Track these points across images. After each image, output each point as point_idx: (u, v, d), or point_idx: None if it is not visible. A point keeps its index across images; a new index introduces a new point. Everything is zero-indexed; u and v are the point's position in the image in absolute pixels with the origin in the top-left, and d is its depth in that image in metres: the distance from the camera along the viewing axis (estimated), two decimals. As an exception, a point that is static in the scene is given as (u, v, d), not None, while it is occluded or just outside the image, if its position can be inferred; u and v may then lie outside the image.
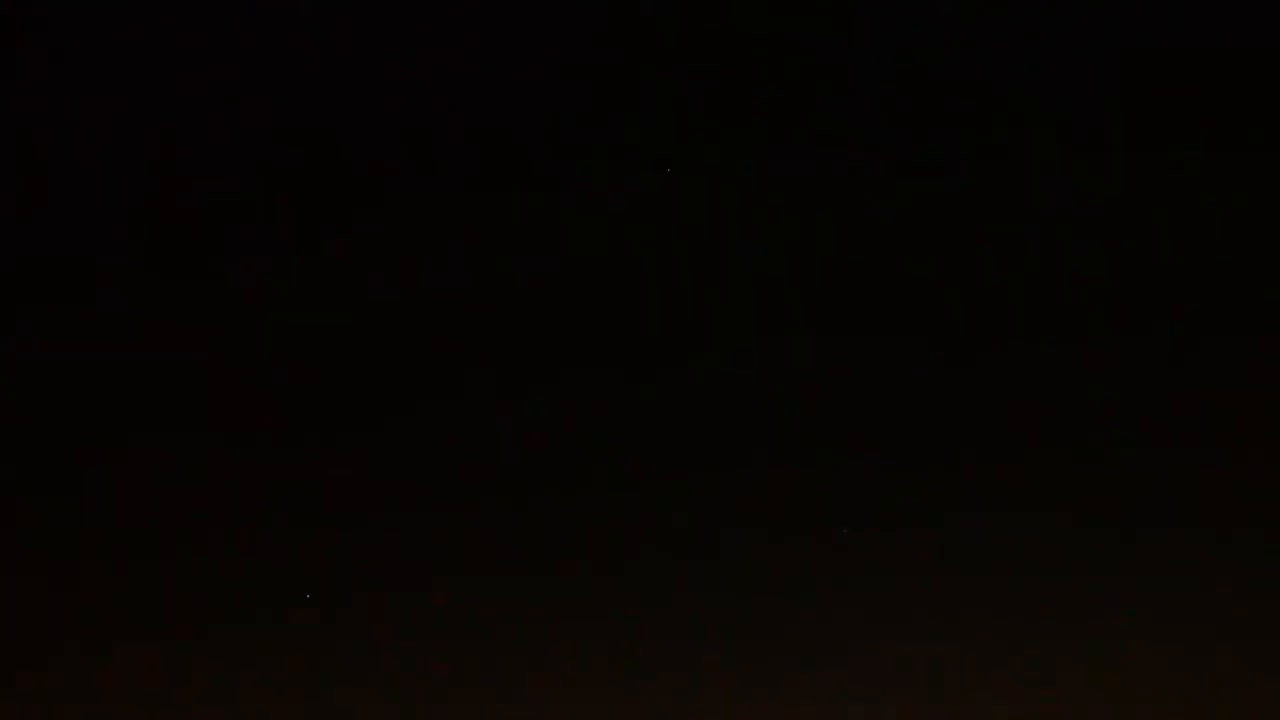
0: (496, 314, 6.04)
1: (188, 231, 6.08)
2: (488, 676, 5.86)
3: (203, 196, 6.10)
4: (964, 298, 5.97)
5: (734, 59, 6.10)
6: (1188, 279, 5.92)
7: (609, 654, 5.85)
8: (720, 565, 5.89)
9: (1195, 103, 5.98)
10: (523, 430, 5.97)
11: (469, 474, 5.96)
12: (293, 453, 5.96)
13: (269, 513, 5.92)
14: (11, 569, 5.89)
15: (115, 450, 5.94)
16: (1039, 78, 6.03)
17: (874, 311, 5.98)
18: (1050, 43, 6.04)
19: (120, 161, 6.12)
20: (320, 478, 5.95)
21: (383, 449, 5.97)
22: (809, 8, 6.10)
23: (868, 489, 5.89)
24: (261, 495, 5.93)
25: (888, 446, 5.92)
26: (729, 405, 5.96)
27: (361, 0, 6.14)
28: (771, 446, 5.93)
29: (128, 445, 5.95)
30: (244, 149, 6.11)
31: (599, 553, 5.90)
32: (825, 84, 6.07)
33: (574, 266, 6.05)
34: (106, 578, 5.90)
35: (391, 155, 6.11)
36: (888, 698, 5.78)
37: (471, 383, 6.01)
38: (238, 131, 6.12)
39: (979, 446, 5.88)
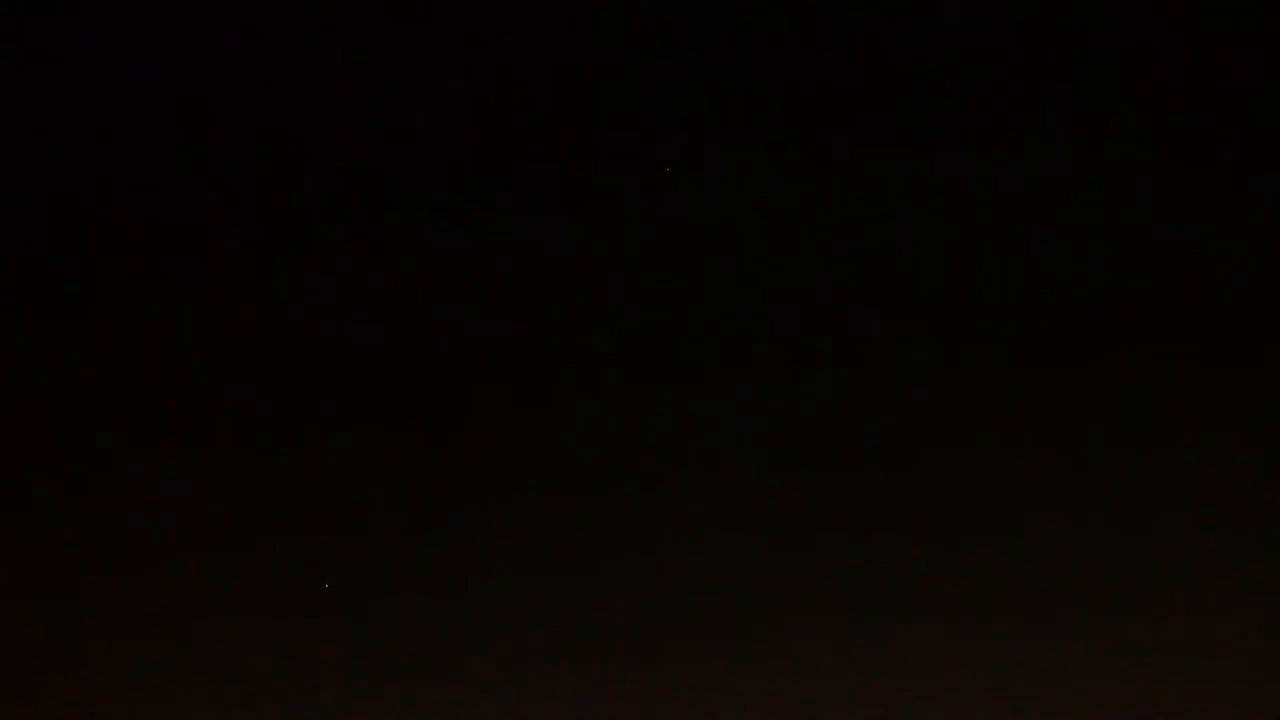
0: (496, 313, 6.05)
1: (186, 232, 6.10)
2: (484, 676, 5.88)
3: (198, 197, 6.12)
4: (964, 298, 5.97)
5: (734, 58, 6.10)
6: (1188, 279, 5.93)
7: (608, 654, 5.86)
8: (719, 566, 5.90)
9: (1195, 102, 5.98)
10: (523, 430, 5.98)
11: (468, 474, 5.97)
12: (301, 452, 5.98)
13: (277, 512, 5.96)
14: (30, 567, 5.92)
15: (126, 450, 5.97)
16: (1039, 77, 6.03)
17: (874, 311, 5.99)
18: (1050, 42, 6.05)
19: (115, 161, 6.14)
20: (323, 477, 5.98)
21: (387, 448, 5.99)
22: (810, 7, 6.11)
23: (867, 490, 5.90)
24: (275, 494, 5.97)
25: (888, 447, 5.93)
26: (729, 405, 5.97)
27: (361, 1, 6.15)
28: (773, 446, 5.94)
29: (141, 445, 5.98)
30: (242, 149, 6.12)
31: (597, 553, 5.92)
32: (825, 83, 6.08)
33: (574, 267, 6.05)
34: (117, 576, 5.92)
35: (391, 155, 6.12)
36: (887, 698, 5.79)
37: (470, 383, 6.01)
38: (236, 132, 6.13)
39: (981, 447, 5.89)
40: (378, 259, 6.06)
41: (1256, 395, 5.83)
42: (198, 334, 6.04)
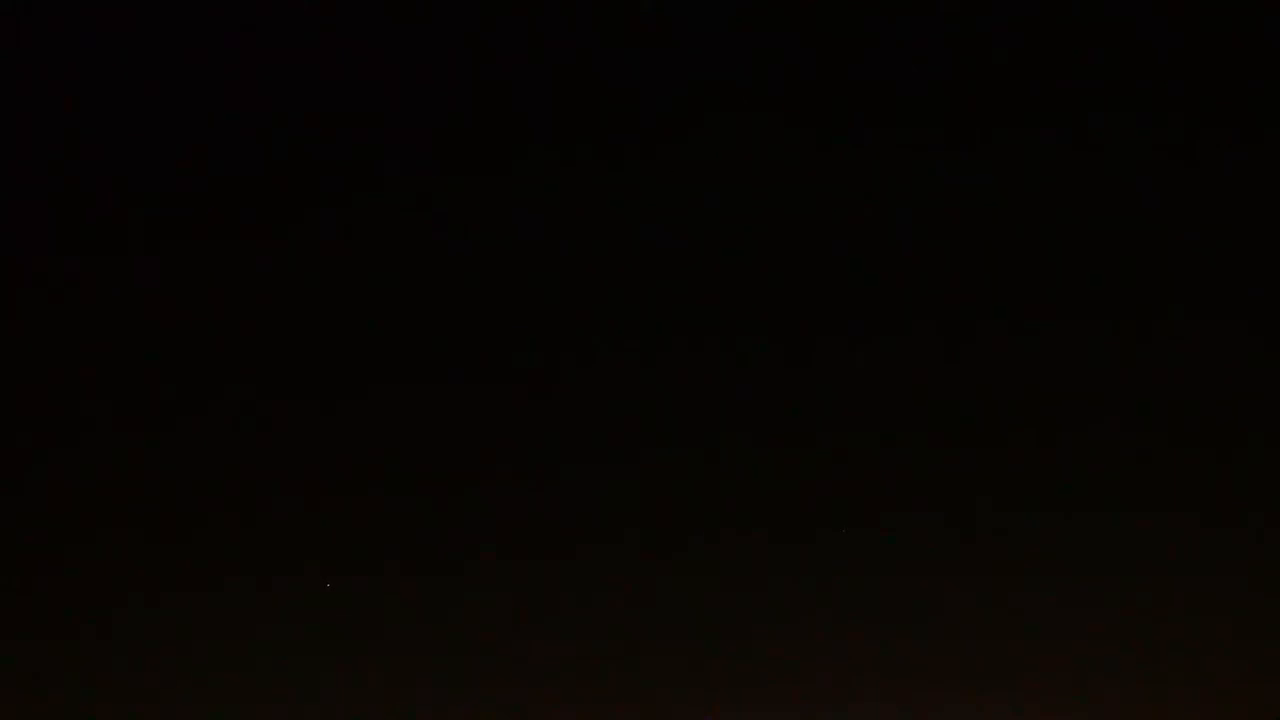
0: (495, 313, 6.05)
1: (186, 230, 6.10)
2: (484, 675, 5.87)
3: (198, 196, 6.12)
4: (965, 297, 5.97)
5: (734, 58, 6.10)
6: (1188, 278, 5.93)
7: (608, 654, 5.86)
8: (720, 566, 5.90)
9: (1195, 102, 5.98)
10: (522, 428, 5.98)
11: (468, 472, 5.97)
12: (300, 452, 5.98)
13: (276, 510, 5.96)
14: (29, 566, 5.92)
15: (124, 449, 5.98)
16: (1039, 77, 6.03)
17: (874, 310, 5.99)
18: (1050, 42, 6.05)
19: (115, 161, 6.14)
20: (323, 476, 5.98)
21: (386, 447, 5.99)
22: (810, 7, 6.11)
23: (868, 490, 5.90)
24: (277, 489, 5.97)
25: (889, 447, 5.92)
26: (729, 404, 5.97)
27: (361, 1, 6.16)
28: (773, 446, 5.94)
29: (138, 442, 5.98)
30: (241, 145, 6.12)
31: (597, 552, 5.92)
32: (826, 83, 6.08)
33: (574, 266, 6.05)
34: (116, 575, 5.92)
35: (390, 152, 6.12)
36: (887, 698, 5.79)
37: (470, 383, 6.01)
38: (235, 129, 6.13)
39: (981, 446, 5.89)
40: (377, 256, 6.07)
41: (1256, 395, 5.83)
42: (195, 328, 6.04)
